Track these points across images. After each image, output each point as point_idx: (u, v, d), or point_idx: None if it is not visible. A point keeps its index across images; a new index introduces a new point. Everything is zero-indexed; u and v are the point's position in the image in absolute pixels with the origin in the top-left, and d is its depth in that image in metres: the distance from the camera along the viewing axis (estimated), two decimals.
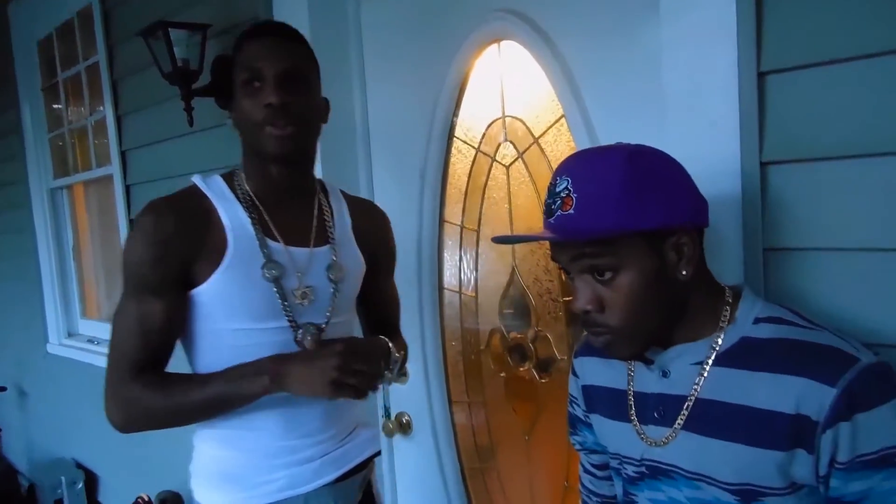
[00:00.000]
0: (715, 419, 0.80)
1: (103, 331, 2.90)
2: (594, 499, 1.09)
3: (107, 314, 3.10)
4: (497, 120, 1.50)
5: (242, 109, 1.06)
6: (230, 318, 1.07)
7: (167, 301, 1.05)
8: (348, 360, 1.03)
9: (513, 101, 1.46)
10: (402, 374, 1.23)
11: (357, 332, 1.33)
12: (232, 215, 1.08)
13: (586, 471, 1.10)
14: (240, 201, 1.10)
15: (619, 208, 0.74)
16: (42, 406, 3.61)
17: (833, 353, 0.74)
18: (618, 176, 0.75)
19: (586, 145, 1.29)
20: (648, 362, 0.87)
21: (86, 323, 3.32)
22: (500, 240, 0.86)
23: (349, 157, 1.75)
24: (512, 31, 1.41)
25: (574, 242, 0.78)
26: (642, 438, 0.87)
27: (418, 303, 1.68)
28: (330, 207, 1.21)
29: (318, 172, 1.66)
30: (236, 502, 1.12)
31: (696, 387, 0.81)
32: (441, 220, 1.64)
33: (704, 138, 0.99)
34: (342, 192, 1.28)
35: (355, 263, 1.22)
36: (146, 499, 1.08)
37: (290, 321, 1.09)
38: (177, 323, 1.07)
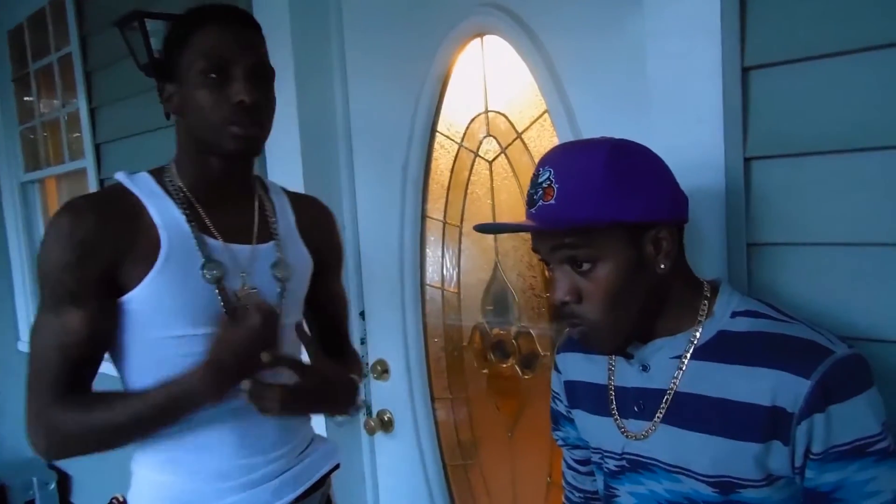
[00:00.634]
0: (693, 412, 0.80)
1: None
2: (577, 494, 1.09)
3: None
4: (480, 115, 1.49)
5: (197, 102, 0.96)
6: (167, 325, 0.97)
7: (90, 311, 0.94)
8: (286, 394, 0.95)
9: (496, 96, 1.46)
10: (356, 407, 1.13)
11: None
12: (163, 213, 0.99)
13: (569, 466, 1.11)
14: (172, 198, 1.01)
15: (600, 200, 0.75)
16: (13, 405, 3.52)
17: (808, 345, 0.75)
18: (599, 168, 0.76)
19: (569, 139, 1.28)
20: (629, 357, 0.88)
21: None
22: (481, 228, 0.86)
23: (330, 152, 1.73)
24: (495, 26, 1.40)
25: (554, 232, 0.79)
26: (623, 432, 0.88)
27: (400, 299, 1.67)
28: (271, 203, 1.14)
29: (299, 169, 1.66)
30: None
31: (674, 380, 0.82)
32: (423, 216, 1.63)
33: (689, 133, 0.99)
34: (283, 188, 1.20)
35: (302, 261, 1.14)
36: (121, 499, 1.02)
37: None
38: (102, 335, 0.97)
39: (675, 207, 0.81)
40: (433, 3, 1.51)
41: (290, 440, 1.10)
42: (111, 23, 1.86)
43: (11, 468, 3.30)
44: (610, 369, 0.92)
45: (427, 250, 1.64)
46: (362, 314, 1.78)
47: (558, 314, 0.84)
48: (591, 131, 1.25)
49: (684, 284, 0.84)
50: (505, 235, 1.48)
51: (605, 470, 0.93)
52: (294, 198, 1.20)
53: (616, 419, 0.89)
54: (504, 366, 1.52)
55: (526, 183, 1.42)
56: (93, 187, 2.49)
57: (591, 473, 1.06)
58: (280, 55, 1.53)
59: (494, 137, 1.47)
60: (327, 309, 1.26)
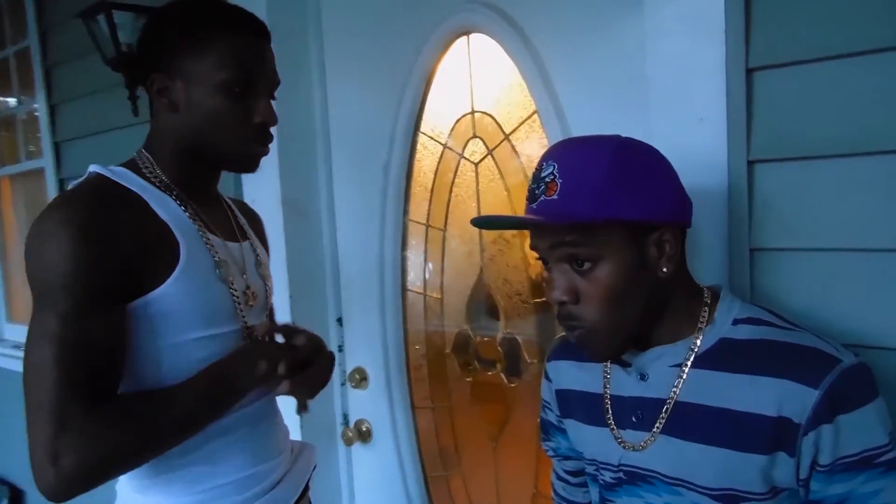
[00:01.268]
0: (694, 423, 0.78)
1: None
2: None
3: None
4: (466, 115, 1.45)
5: (214, 110, 0.91)
6: (185, 328, 0.91)
7: (113, 316, 0.85)
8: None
9: (482, 96, 1.42)
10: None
11: None
12: (167, 208, 0.92)
13: (559, 477, 1.08)
14: (166, 193, 0.94)
15: (604, 197, 0.73)
16: None
17: (814, 354, 0.73)
18: (605, 165, 0.74)
19: None
20: (625, 365, 0.85)
21: (12, 328, 3.10)
22: (478, 221, 0.83)
23: (307, 153, 1.67)
24: (482, 24, 1.37)
25: (555, 229, 0.76)
26: (620, 443, 0.85)
27: (380, 305, 1.62)
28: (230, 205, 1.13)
29: (275, 170, 1.59)
30: None
31: (674, 389, 0.80)
32: (405, 219, 1.58)
33: (689, 134, 0.96)
34: None
35: (268, 261, 1.15)
36: None
37: (244, 324, 0.99)
38: (123, 343, 0.87)
39: (679, 209, 0.79)
40: (418, 1, 1.47)
41: (286, 445, 1.09)
42: (76, 15, 1.77)
43: None
44: (605, 378, 0.89)
45: (409, 254, 1.60)
46: (339, 320, 1.72)
47: (557, 314, 0.81)
48: (582, 133, 1.20)
49: (685, 290, 0.82)
50: (490, 239, 1.44)
51: (601, 482, 0.90)
52: (235, 202, 1.18)
53: (612, 429, 0.87)
54: (489, 373, 1.48)
55: (513, 186, 1.38)
56: (52, 188, 2.37)
57: (583, 485, 1.04)
58: None
59: (481, 139, 1.43)
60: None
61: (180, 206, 0.94)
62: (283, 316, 1.57)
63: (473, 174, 1.45)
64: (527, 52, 1.29)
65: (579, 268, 0.76)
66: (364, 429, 1.70)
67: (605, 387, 0.89)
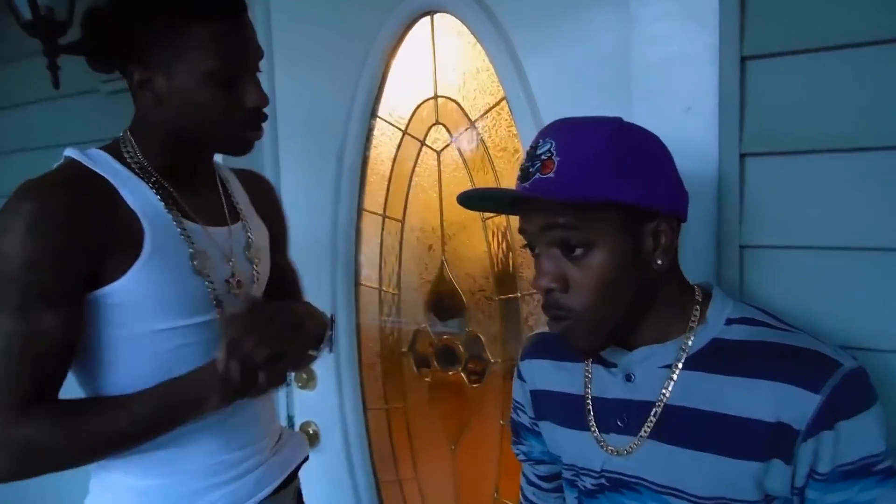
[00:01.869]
0: (685, 427, 0.75)
1: None
2: None
3: None
4: (428, 100, 1.37)
5: (201, 104, 0.86)
6: (154, 318, 0.88)
7: (68, 312, 0.82)
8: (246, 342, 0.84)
9: (446, 80, 1.34)
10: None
11: None
12: (138, 195, 0.88)
13: (530, 482, 1.03)
14: (141, 178, 0.90)
15: (602, 177, 0.70)
16: None
17: (814, 357, 0.70)
18: (605, 145, 0.71)
19: (531, 130, 1.19)
20: (609, 365, 0.81)
21: None
22: (465, 197, 0.77)
23: None
24: (447, 3, 1.28)
25: (547, 210, 0.72)
26: (603, 448, 0.81)
27: (331, 299, 1.52)
28: (227, 182, 1.06)
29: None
30: None
31: (664, 392, 0.76)
32: (360, 209, 1.48)
33: (677, 124, 0.92)
34: (226, 165, 1.12)
35: (264, 239, 1.08)
36: None
37: (222, 313, 0.93)
38: (75, 339, 0.85)
39: (676, 198, 0.76)
40: None
41: (267, 432, 1.04)
42: None
43: None
44: (586, 378, 0.85)
45: (363, 246, 1.50)
46: None
47: (543, 303, 0.76)
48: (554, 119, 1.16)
49: (675, 287, 0.78)
50: (453, 232, 1.36)
51: (581, 488, 0.86)
52: (241, 175, 1.11)
53: (594, 433, 0.82)
54: (449, 373, 1.40)
55: (478, 175, 1.31)
56: None
57: (556, 490, 1.00)
58: None
59: (444, 125, 1.35)
60: (280, 287, 1.13)
61: (156, 192, 0.90)
62: None
63: (435, 163, 1.37)
64: (496, 34, 1.22)
65: (570, 254, 0.72)
66: (311, 431, 1.60)
67: (587, 388, 0.84)
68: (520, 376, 0.95)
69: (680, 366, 0.75)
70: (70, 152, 0.89)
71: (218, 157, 1.06)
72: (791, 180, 0.85)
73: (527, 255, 1.26)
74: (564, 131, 0.73)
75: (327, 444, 1.58)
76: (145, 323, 0.87)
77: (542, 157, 0.71)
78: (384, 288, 1.48)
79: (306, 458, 1.14)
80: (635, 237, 0.72)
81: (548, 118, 1.17)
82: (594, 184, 0.69)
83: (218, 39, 0.85)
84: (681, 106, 0.91)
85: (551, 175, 0.70)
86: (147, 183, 0.90)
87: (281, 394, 1.61)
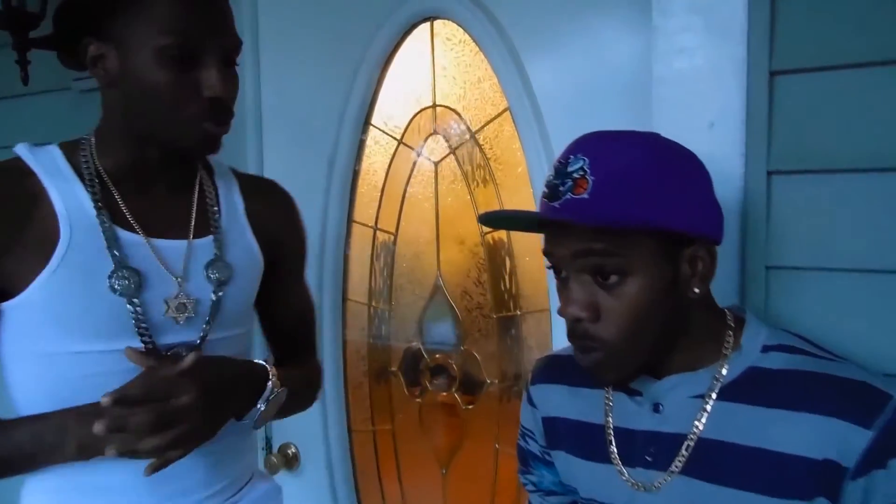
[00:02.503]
0: (722, 463, 0.70)
1: None
2: None
3: None
4: (426, 109, 1.31)
5: (153, 86, 0.77)
6: (61, 338, 0.78)
7: None
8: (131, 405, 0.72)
9: (446, 89, 1.29)
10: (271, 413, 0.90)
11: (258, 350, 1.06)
12: (68, 198, 0.80)
13: None
14: (82, 180, 0.81)
15: (643, 200, 0.65)
16: None
17: (862, 388, 0.66)
18: (644, 163, 0.66)
19: (536, 143, 1.16)
20: (634, 393, 0.76)
21: None
22: (489, 218, 0.72)
23: (234, 137, 1.45)
24: (448, 9, 1.24)
25: (581, 235, 0.67)
26: (627, 482, 0.76)
27: (317, 314, 1.43)
28: (215, 189, 0.93)
29: None
30: None
31: (697, 424, 0.71)
32: (350, 220, 1.42)
33: (700, 140, 0.88)
34: (233, 170, 0.99)
35: (249, 258, 0.93)
36: None
37: (149, 342, 0.81)
38: None
39: (717, 223, 0.71)
40: None
41: (225, 476, 0.90)
42: None
43: None
44: (606, 406, 0.79)
45: (352, 260, 1.43)
46: None
47: (569, 331, 0.71)
48: (562, 134, 1.12)
49: (707, 313, 0.74)
50: (449, 247, 1.31)
51: None
52: (246, 181, 0.98)
53: (617, 466, 0.77)
54: (442, 394, 1.34)
55: (478, 188, 1.27)
56: None
57: None
58: None
59: (442, 136, 1.30)
60: (285, 319, 1.03)
61: (93, 196, 0.80)
62: None
63: (432, 174, 1.32)
64: (500, 41, 1.18)
65: (604, 281, 0.67)
66: (290, 453, 1.51)
67: (607, 416, 0.79)
68: (530, 401, 0.89)
69: (714, 396, 0.71)
70: (18, 149, 0.82)
71: (219, 158, 0.94)
72: (820, 199, 0.82)
73: (525, 271, 1.23)
74: (598, 147, 0.68)
75: (307, 468, 1.50)
76: (52, 342, 0.78)
77: (575, 175, 0.66)
78: (374, 304, 1.41)
79: None
80: (673, 264, 0.68)
81: (553, 131, 1.14)
82: (634, 207, 0.64)
83: (176, 12, 0.76)
84: (704, 121, 0.88)
85: (585, 196, 0.65)
86: (87, 185, 0.81)
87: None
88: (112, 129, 0.84)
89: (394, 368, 1.40)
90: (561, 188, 0.67)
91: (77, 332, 0.78)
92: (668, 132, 0.90)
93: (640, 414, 0.75)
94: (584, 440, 0.81)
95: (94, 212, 0.80)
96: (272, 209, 0.99)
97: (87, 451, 0.76)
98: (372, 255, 1.41)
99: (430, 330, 1.35)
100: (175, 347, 0.84)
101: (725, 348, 0.72)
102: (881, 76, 0.78)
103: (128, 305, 0.80)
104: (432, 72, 1.30)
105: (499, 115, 1.23)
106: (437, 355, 1.34)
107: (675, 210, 0.66)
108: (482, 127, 1.25)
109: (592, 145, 0.68)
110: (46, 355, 0.79)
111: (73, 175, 0.81)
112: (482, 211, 1.26)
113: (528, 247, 1.22)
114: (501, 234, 1.25)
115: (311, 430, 1.48)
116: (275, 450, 1.53)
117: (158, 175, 0.86)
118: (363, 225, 1.41)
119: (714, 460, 0.70)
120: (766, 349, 0.71)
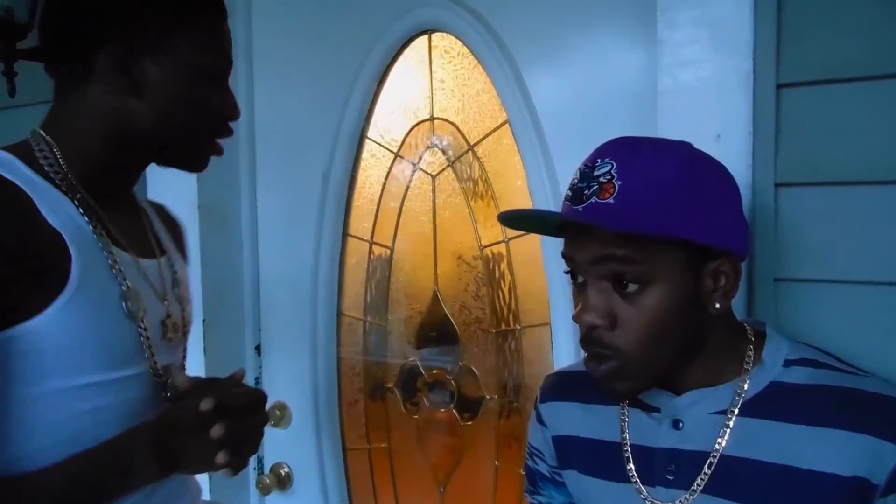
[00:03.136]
0: (746, 480, 0.68)
1: None
2: None
3: None
4: (423, 122, 1.30)
5: (191, 101, 0.78)
6: (69, 371, 0.70)
7: None
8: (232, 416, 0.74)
9: (444, 101, 1.28)
10: None
11: None
12: (60, 213, 0.71)
13: None
14: (63, 192, 0.74)
15: (671, 208, 0.63)
16: None
17: (891, 403, 0.65)
18: (675, 172, 0.65)
19: (536, 156, 1.15)
20: (650, 409, 0.75)
21: None
22: (507, 217, 0.70)
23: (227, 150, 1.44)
24: (446, 21, 1.23)
25: (603, 240, 0.65)
26: (647, 501, 0.74)
27: (311, 330, 1.42)
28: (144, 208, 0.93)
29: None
30: None
31: (719, 441, 0.70)
32: (345, 234, 1.40)
33: (707, 152, 0.88)
34: None
35: (185, 277, 0.95)
36: None
37: (153, 365, 0.79)
38: None
39: (744, 240, 0.70)
40: None
41: None
42: None
43: None
44: (622, 423, 0.78)
45: (347, 274, 1.41)
46: (258, 348, 1.49)
47: (583, 339, 0.70)
48: (563, 148, 1.12)
49: (727, 327, 0.72)
50: (447, 261, 1.29)
51: None
52: (153, 205, 0.98)
53: (636, 485, 0.75)
54: (440, 410, 1.32)
55: (476, 202, 1.25)
56: None
57: None
58: None
59: (440, 149, 1.29)
60: None
61: (82, 212, 0.74)
62: (193, 341, 1.32)
63: (430, 187, 1.31)
64: (500, 54, 1.17)
65: (623, 289, 0.66)
66: (283, 473, 1.48)
67: (623, 434, 0.77)
68: (539, 420, 0.87)
69: (736, 412, 0.69)
70: None
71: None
72: (829, 211, 0.82)
73: (525, 284, 1.21)
74: (627, 152, 0.66)
75: (300, 488, 1.47)
76: (62, 378, 0.70)
77: (601, 179, 0.64)
78: (369, 319, 1.39)
79: None
80: (696, 276, 0.66)
81: (553, 144, 1.14)
82: (661, 216, 0.63)
83: (219, 34, 0.81)
84: (711, 133, 0.88)
85: (611, 200, 0.63)
86: (71, 198, 0.74)
87: None
88: (82, 136, 0.77)
89: (390, 385, 1.37)
90: (586, 192, 0.65)
91: (93, 361, 0.72)
92: None
93: (658, 431, 0.74)
94: (599, 459, 0.79)
95: (88, 227, 0.74)
96: (175, 232, 0.99)
97: (168, 467, 0.74)
98: (367, 269, 1.38)
99: (427, 345, 1.33)
100: (167, 368, 0.82)
101: (746, 363, 0.71)
102: (888, 89, 0.78)
103: (139, 327, 0.77)
104: (430, 84, 1.29)
105: (498, 127, 1.22)
106: (435, 371, 1.32)
107: (701, 222, 0.65)
108: (481, 140, 1.24)
109: (621, 150, 0.67)
110: (55, 393, 0.70)
111: (48, 185, 0.73)
112: (480, 225, 1.25)
113: (528, 260, 1.20)
114: (501, 247, 1.24)
115: (304, 448, 1.44)
116: (266, 470, 1.49)
117: (120, 189, 0.85)
118: (358, 238, 1.39)
119: (738, 478, 0.69)
120: (788, 363, 0.70)
